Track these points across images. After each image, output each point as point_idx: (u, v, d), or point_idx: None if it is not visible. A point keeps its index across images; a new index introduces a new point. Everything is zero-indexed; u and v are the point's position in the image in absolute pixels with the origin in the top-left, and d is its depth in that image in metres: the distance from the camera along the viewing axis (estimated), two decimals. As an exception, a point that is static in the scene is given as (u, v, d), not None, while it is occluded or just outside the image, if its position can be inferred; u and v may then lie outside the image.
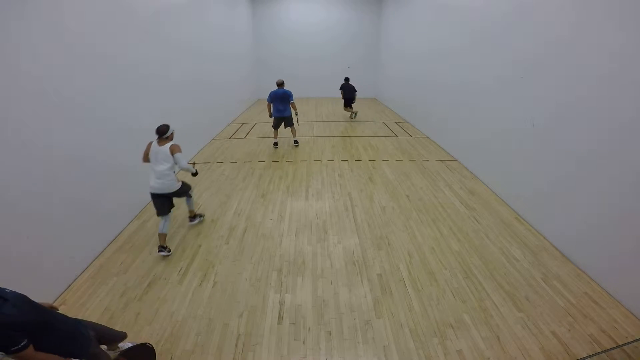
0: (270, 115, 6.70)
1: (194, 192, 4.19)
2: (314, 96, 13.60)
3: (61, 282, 2.91)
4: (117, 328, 2.52)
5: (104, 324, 2.57)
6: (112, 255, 3.39)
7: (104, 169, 3.54)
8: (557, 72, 3.52)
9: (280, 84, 6.51)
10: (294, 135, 7.05)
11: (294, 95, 6.52)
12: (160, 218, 3.40)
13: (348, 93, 9.19)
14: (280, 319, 2.64)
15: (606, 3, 2.96)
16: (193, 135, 6.39)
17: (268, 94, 6.49)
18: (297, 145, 7.02)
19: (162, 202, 3.37)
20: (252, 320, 2.63)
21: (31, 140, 2.62)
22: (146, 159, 3.41)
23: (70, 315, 2.65)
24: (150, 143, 3.38)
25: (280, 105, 6.49)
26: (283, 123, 6.74)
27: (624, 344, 2.37)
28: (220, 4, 8.18)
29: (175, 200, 3.54)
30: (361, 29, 12.72)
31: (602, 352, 2.33)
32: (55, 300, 2.79)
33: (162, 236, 3.36)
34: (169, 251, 3.39)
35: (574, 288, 2.95)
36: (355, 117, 9.62)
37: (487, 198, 4.62)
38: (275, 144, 6.94)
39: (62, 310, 2.68)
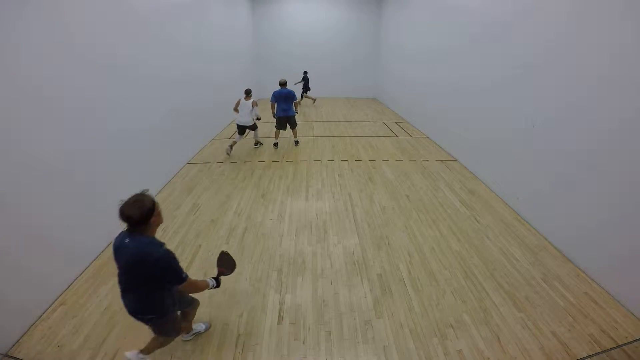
0: (274, 115, 6.73)
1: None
2: (314, 96, 13.58)
3: (61, 282, 2.91)
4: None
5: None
6: (112, 255, 3.37)
7: (105, 168, 3.54)
8: (557, 72, 3.52)
9: (284, 84, 6.58)
10: (295, 136, 7.07)
11: (297, 95, 6.60)
12: (239, 136, 6.42)
13: (307, 83, 11.79)
14: (280, 319, 2.64)
15: (606, 3, 2.96)
16: (193, 135, 6.40)
17: (271, 94, 6.53)
18: (297, 145, 7.05)
19: (242, 129, 6.39)
20: (252, 320, 2.63)
21: (31, 140, 2.62)
22: (236, 108, 6.28)
23: (71, 316, 2.67)
24: (240, 99, 6.25)
25: (285, 104, 6.54)
26: (288, 124, 6.82)
27: (624, 344, 2.37)
28: (219, 3, 8.18)
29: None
30: (361, 29, 12.73)
31: (602, 352, 2.33)
32: (56, 300, 2.80)
33: (234, 143, 6.36)
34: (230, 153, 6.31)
35: (574, 288, 2.95)
36: (302, 103, 11.94)
37: (487, 198, 4.62)
38: (276, 144, 6.94)
39: (61, 311, 2.70)
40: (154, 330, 2.08)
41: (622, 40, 2.79)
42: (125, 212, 1.70)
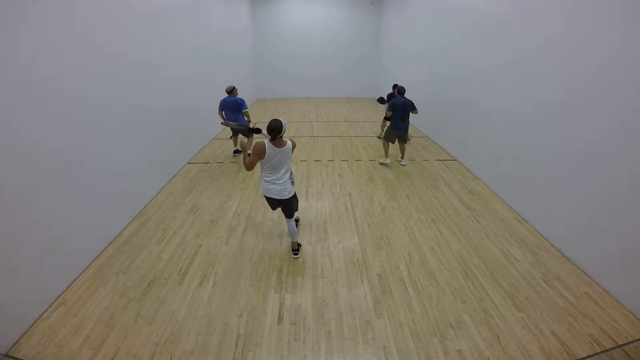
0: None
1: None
2: (314, 96, 13.60)
3: (61, 282, 2.91)
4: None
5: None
6: (112, 255, 3.38)
7: (105, 168, 3.54)
8: (557, 71, 3.53)
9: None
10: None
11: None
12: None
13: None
14: (280, 319, 2.64)
15: (605, 3, 2.96)
16: (194, 135, 6.40)
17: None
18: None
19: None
20: (252, 320, 2.63)
21: (32, 140, 2.62)
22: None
23: (71, 316, 2.67)
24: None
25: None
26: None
27: (624, 344, 2.37)
28: (220, 3, 8.18)
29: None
30: (361, 29, 12.73)
31: (602, 352, 2.33)
32: (56, 300, 2.80)
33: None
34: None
35: (574, 288, 2.95)
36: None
37: (487, 198, 4.62)
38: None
39: (61, 311, 2.71)
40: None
41: (621, 40, 2.79)
42: (402, 92, 5.42)
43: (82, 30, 3.24)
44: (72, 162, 3.07)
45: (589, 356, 2.30)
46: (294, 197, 3.19)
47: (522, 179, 4.12)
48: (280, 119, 2.81)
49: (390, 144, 5.85)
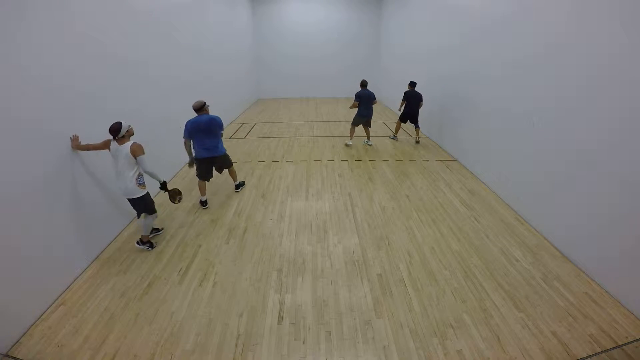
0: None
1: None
2: (314, 96, 13.61)
3: (61, 282, 2.91)
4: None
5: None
6: (112, 256, 3.38)
7: (104, 168, 3.53)
8: (557, 71, 3.52)
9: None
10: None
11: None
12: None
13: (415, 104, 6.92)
14: (280, 319, 2.64)
15: (605, 3, 2.96)
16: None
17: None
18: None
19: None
20: (252, 320, 2.63)
21: (32, 139, 2.62)
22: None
23: (71, 316, 2.67)
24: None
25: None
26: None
27: (624, 344, 2.37)
28: (220, 3, 8.18)
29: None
30: (361, 29, 12.73)
31: (602, 352, 2.33)
32: (56, 300, 2.80)
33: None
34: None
35: (574, 288, 2.95)
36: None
37: (487, 198, 4.62)
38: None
39: (61, 311, 2.71)
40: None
41: (621, 40, 2.79)
42: (364, 85, 6.35)
43: (82, 30, 3.23)
44: (72, 162, 3.07)
45: (589, 356, 2.30)
46: (141, 199, 3.24)
47: (522, 179, 4.12)
48: (122, 122, 3.05)
49: (355, 127, 6.96)
